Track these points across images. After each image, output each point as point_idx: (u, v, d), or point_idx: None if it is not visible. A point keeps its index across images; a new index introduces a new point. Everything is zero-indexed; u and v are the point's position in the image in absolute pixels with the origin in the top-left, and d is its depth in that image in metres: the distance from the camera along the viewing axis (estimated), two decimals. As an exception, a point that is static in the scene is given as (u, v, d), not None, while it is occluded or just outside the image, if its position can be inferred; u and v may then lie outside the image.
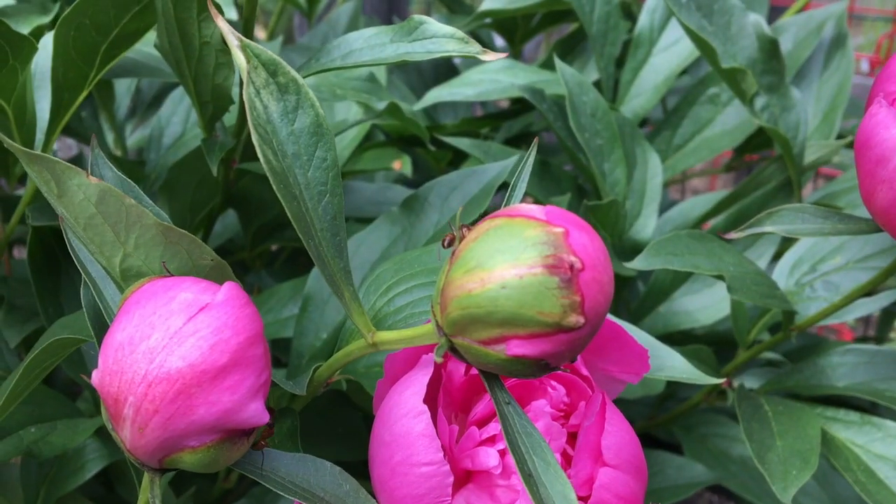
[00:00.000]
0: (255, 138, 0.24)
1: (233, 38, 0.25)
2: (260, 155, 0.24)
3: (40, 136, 0.47)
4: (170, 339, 0.25)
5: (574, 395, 0.31)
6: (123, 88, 0.69)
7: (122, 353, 0.25)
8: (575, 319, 0.23)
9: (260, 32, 1.29)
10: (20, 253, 0.75)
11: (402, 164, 0.64)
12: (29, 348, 0.54)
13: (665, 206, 0.74)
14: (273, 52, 0.54)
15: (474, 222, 0.25)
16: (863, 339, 0.94)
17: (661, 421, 0.65)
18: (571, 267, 0.22)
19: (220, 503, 0.53)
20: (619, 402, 0.64)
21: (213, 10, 0.25)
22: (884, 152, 0.34)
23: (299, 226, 0.25)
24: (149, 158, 0.64)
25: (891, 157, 0.34)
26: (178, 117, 0.66)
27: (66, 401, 0.49)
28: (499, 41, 0.92)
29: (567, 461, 0.30)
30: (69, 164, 0.26)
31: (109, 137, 0.70)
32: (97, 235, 0.27)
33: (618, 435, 0.30)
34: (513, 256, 0.23)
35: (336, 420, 0.48)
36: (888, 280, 0.45)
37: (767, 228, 0.42)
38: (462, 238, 0.24)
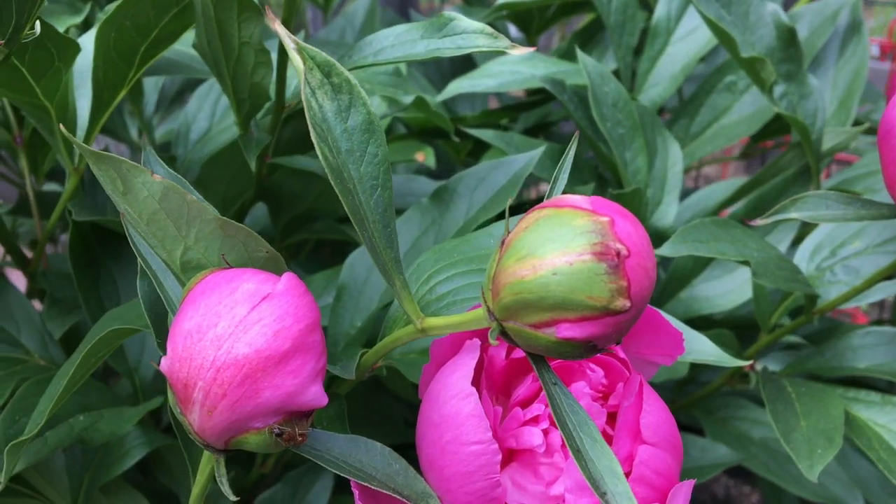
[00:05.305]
0: (313, 135, 0.26)
1: (290, 42, 0.26)
2: (318, 151, 0.25)
3: (80, 133, 0.48)
4: (236, 327, 0.26)
5: (612, 377, 0.33)
6: (151, 85, 0.70)
7: (190, 341, 0.26)
8: (622, 303, 0.24)
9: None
10: (51, 249, 0.77)
11: (425, 156, 0.65)
12: (68, 341, 0.56)
13: (681, 195, 0.75)
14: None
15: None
16: (877, 323, 0.95)
17: (683, 405, 0.66)
18: (618, 254, 0.24)
19: (256, 488, 0.55)
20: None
21: (270, 15, 0.26)
22: (907, 139, 0.35)
23: (354, 218, 0.27)
24: (177, 154, 0.65)
25: (914, 143, 0.35)
26: (204, 113, 0.67)
27: (108, 390, 0.50)
28: (514, 32, 0.92)
29: (607, 440, 0.32)
30: (135, 164, 0.27)
31: (134, 133, 0.71)
32: (159, 230, 0.28)
33: (655, 414, 0.31)
34: (563, 244, 0.24)
35: (371, 406, 0.49)
36: (908, 263, 0.46)
37: (793, 215, 0.43)
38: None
